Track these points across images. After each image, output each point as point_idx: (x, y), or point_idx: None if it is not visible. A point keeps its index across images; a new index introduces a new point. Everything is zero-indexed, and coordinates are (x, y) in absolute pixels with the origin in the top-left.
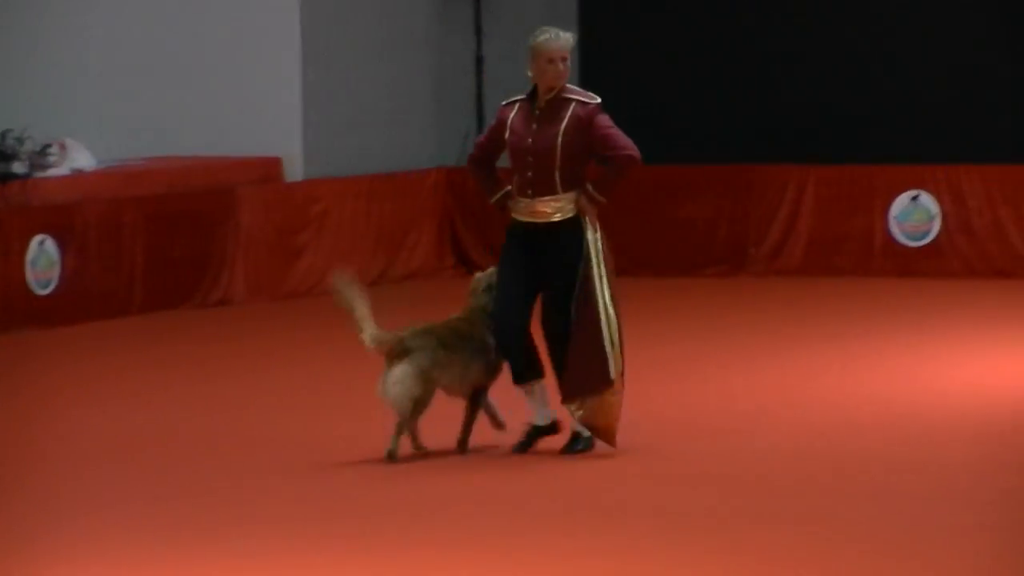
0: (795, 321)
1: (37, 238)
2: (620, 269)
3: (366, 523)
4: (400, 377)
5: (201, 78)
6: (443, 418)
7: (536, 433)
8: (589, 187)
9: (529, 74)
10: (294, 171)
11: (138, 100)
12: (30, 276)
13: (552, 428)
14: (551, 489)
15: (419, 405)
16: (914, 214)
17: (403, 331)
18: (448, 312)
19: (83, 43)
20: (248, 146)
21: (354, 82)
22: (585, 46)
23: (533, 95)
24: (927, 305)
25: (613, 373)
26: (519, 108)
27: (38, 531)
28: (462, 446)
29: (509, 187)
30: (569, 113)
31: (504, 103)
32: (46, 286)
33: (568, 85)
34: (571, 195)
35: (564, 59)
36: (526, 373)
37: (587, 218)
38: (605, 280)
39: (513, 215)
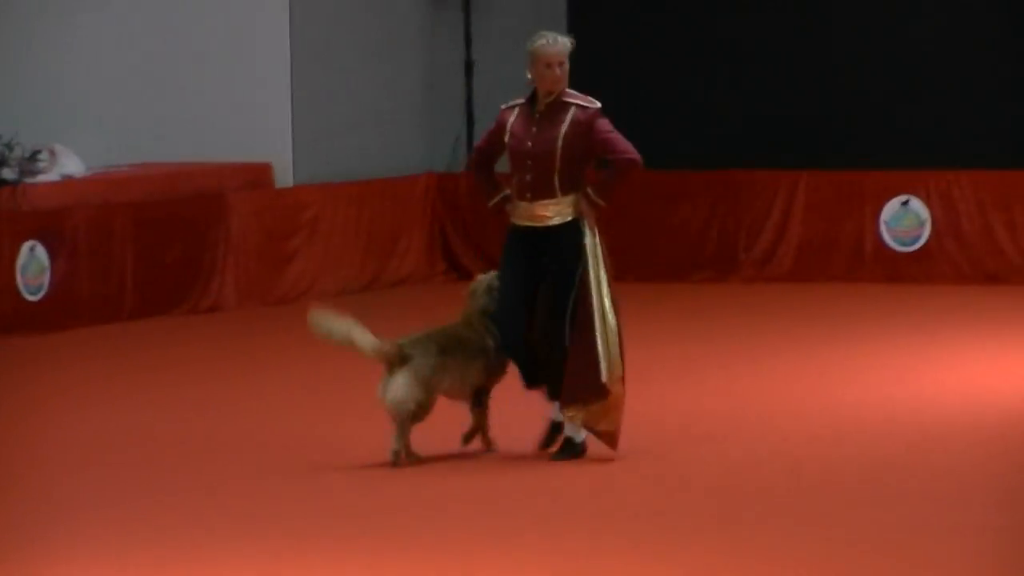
0: (785, 326)
1: (27, 244)
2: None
3: (364, 524)
4: (401, 385)
5: (191, 84)
6: (442, 422)
7: (556, 429)
8: (589, 191)
9: (529, 76)
10: (284, 177)
11: (127, 106)
12: (20, 282)
13: (583, 448)
14: (549, 491)
15: (420, 411)
16: (904, 219)
17: (402, 339)
18: (440, 316)
19: (72, 49)
20: (238, 152)
21: (344, 88)
22: (573, 51)
23: (533, 99)
24: (917, 310)
25: (605, 377)
26: (519, 111)
27: (31, 535)
28: (488, 445)
29: (507, 191)
30: (569, 117)
31: (504, 106)
32: (36, 292)
33: (568, 90)
34: (570, 199)
35: (561, 64)
36: (551, 393)
37: (586, 222)
38: (604, 285)
39: (512, 220)
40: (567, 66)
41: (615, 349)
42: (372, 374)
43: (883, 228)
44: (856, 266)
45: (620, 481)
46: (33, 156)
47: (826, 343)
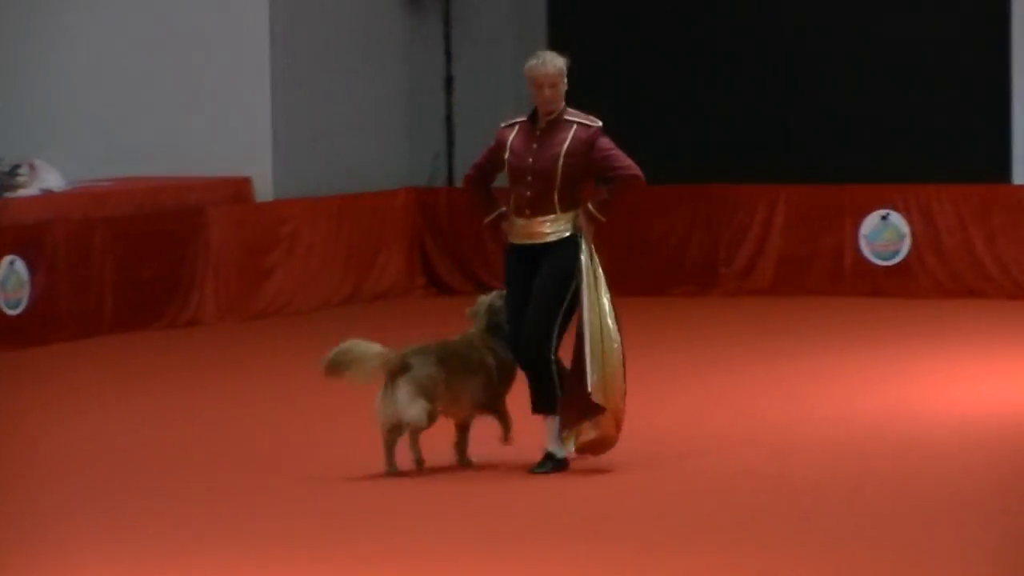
0: (766, 340)
1: (7, 258)
2: None
3: (351, 533)
4: (409, 402)
5: (171, 98)
6: (440, 429)
7: (550, 460)
8: (590, 206)
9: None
10: (264, 191)
11: (107, 120)
12: (0, 296)
13: (563, 463)
14: (536, 501)
15: (431, 419)
16: (884, 233)
17: (405, 349)
18: (420, 330)
19: (53, 65)
20: (218, 166)
21: (324, 102)
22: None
23: (534, 116)
24: (897, 324)
25: (591, 386)
26: (519, 129)
27: (16, 546)
28: (507, 440)
29: (503, 208)
30: (571, 135)
31: (503, 124)
32: (16, 306)
33: (569, 108)
34: (569, 215)
35: (553, 85)
36: (538, 404)
37: (584, 238)
38: (605, 304)
39: (509, 239)
40: (561, 87)
41: (616, 369)
42: (350, 388)
43: (863, 242)
44: (836, 280)
45: (603, 493)
46: (13, 171)
47: (806, 357)
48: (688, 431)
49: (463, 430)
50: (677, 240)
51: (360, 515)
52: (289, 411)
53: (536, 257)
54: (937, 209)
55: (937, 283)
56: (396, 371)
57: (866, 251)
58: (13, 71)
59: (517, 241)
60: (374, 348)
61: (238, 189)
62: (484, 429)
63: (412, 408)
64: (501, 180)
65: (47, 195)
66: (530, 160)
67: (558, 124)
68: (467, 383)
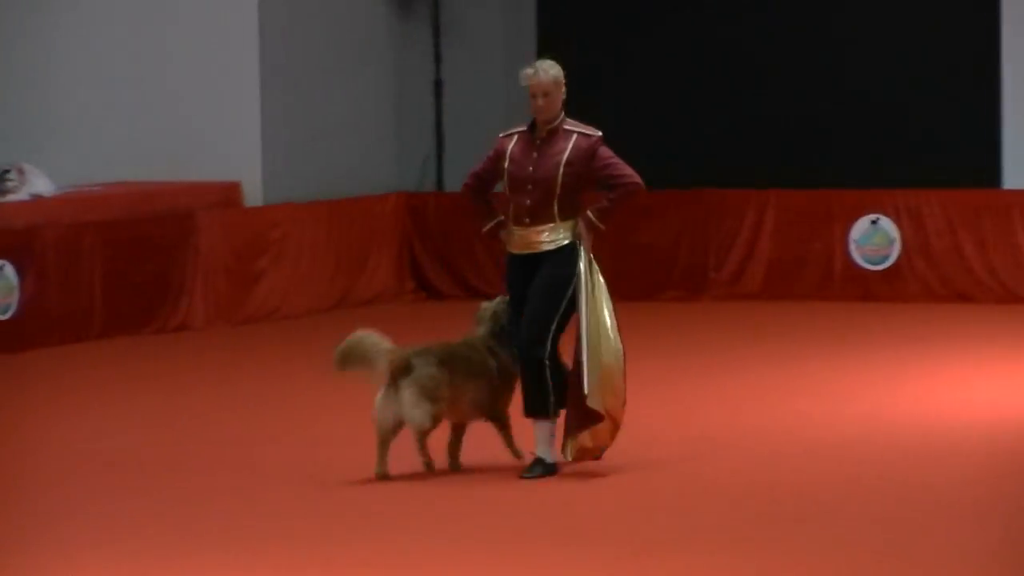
0: (755, 344)
1: None
2: None
3: (350, 535)
4: (412, 400)
5: (160, 103)
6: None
7: (539, 464)
8: (590, 213)
9: None
10: (253, 196)
11: (97, 125)
12: None
13: (553, 468)
14: (541, 503)
15: (436, 420)
16: (874, 238)
17: (407, 350)
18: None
19: (41, 70)
20: (207, 171)
21: (314, 107)
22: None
23: (533, 126)
24: (887, 328)
25: (587, 391)
26: (519, 138)
27: (7, 549)
28: (517, 455)
29: (502, 217)
30: (572, 144)
31: (502, 134)
32: (5, 311)
33: (568, 119)
34: (567, 224)
35: (547, 94)
36: (529, 407)
37: (582, 246)
38: (600, 309)
39: (508, 248)
40: (556, 96)
41: (615, 377)
42: (340, 392)
43: (853, 247)
44: (826, 285)
45: (598, 495)
46: (2, 176)
47: (796, 361)
48: (679, 435)
49: (458, 432)
50: (667, 245)
51: (357, 517)
52: (280, 415)
53: (535, 266)
54: (927, 214)
55: (927, 288)
56: (399, 372)
57: (856, 256)
58: (2, 77)
59: (515, 251)
60: (382, 346)
61: (227, 194)
62: (481, 433)
63: (416, 410)
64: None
65: (36, 200)
66: (530, 169)
67: (558, 133)
68: (468, 385)
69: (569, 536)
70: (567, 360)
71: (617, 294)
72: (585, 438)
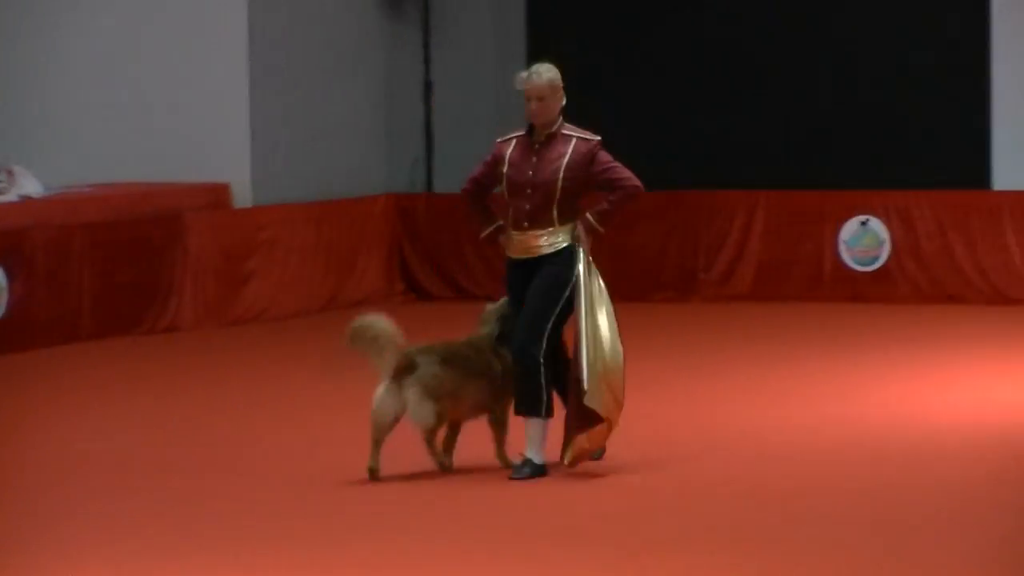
0: (745, 346)
1: None
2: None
3: (354, 537)
4: (416, 399)
5: (149, 105)
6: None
7: (528, 465)
8: (589, 216)
9: None
10: (242, 197)
11: (86, 127)
12: None
13: (542, 469)
14: (539, 503)
15: (440, 419)
16: (864, 239)
17: (409, 347)
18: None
19: (30, 72)
20: (196, 172)
21: (303, 108)
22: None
23: (531, 130)
24: (877, 329)
25: (587, 388)
26: (517, 143)
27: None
28: (503, 462)
29: (501, 221)
30: (571, 149)
31: (499, 139)
32: None
33: (566, 123)
34: (566, 228)
35: (540, 98)
36: (521, 405)
37: (581, 250)
38: (597, 311)
39: (507, 253)
40: (551, 101)
41: (614, 379)
42: (331, 392)
43: (842, 248)
44: (815, 286)
45: (589, 496)
46: None
47: (785, 362)
48: (670, 435)
49: (455, 430)
50: (657, 246)
51: (356, 517)
52: (272, 416)
53: (533, 270)
54: (916, 215)
55: (916, 289)
56: (402, 370)
57: (846, 257)
58: None
59: (514, 256)
60: (392, 338)
61: (216, 195)
62: (481, 433)
63: (420, 409)
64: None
65: (25, 202)
66: (530, 173)
67: (556, 138)
68: (470, 386)
69: (568, 536)
70: (568, 362)
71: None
72: (582, 440)
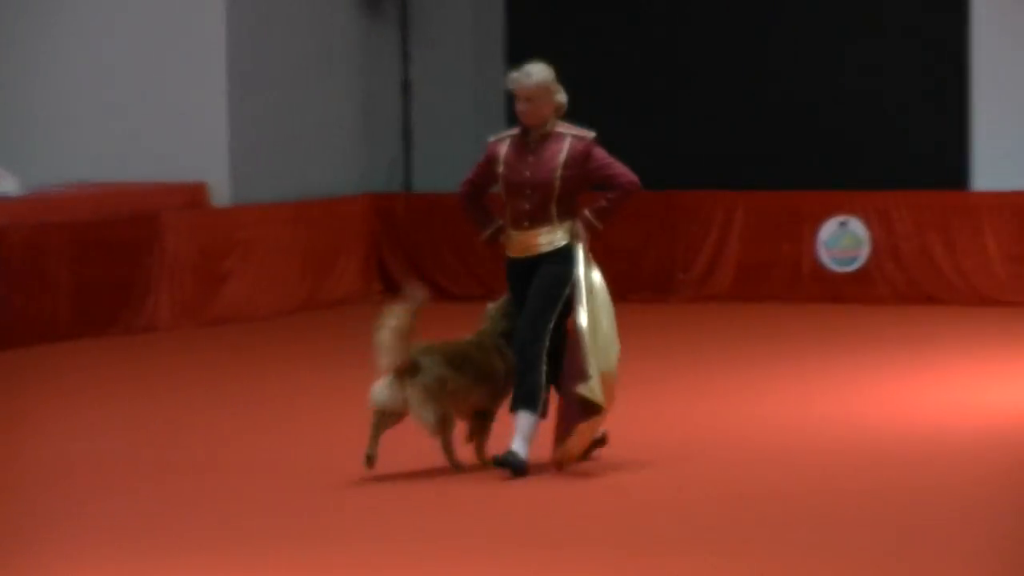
0: (723, 346)
1: None
2: None
3: (353, 537)
4: (418, 402)
5: (127, 103)
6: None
7: (512, 456)
8: (587, 214)
9: None
10: (220, 196)
11: (63, 126)
12: None
13: (523, 466)
14: (536, 504)
15: (447, 421)
16: (843, 240)
17: (415, 347)
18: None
19: (5, 71)
20: (173, 171)
21: (280, 107)
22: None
23: (526, 130)
24: (856, 330)
25: (591, 382)
26: (511, 142)
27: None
28: (482, 459)
29: (501, 222)
30: (567, 147)
31: (493, 139)
32: None
33: (561, 122)
34: (564, 225)
35: (529, 99)
36: (517, 401)
37: (580, 247)
38: (601, 308)
39: (507, 252)
40: (540, 101)
41: (610, 376)
42: (310, 392)
43: (821, 249)
44: (794, 287)
45: (590, 497)
46: None
47: (764, 363)
48: (651, 437)
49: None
50: (635, 246)
51: (355, 517)
52: (255, 415)
53: (533, 268)
54: (896, 216)
55: (895, 290)
56: (405, 371)
57: (825, 258)
58: None
59: (514, 254)
60: (392, 345)
61: (194, 195)
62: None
63: (423, 411)
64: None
65: (2, 201)
66: (527, 174)
67: (551, 137)
68: (473, 388)
69: (568, 536)
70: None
71: None
72: (573, 443)
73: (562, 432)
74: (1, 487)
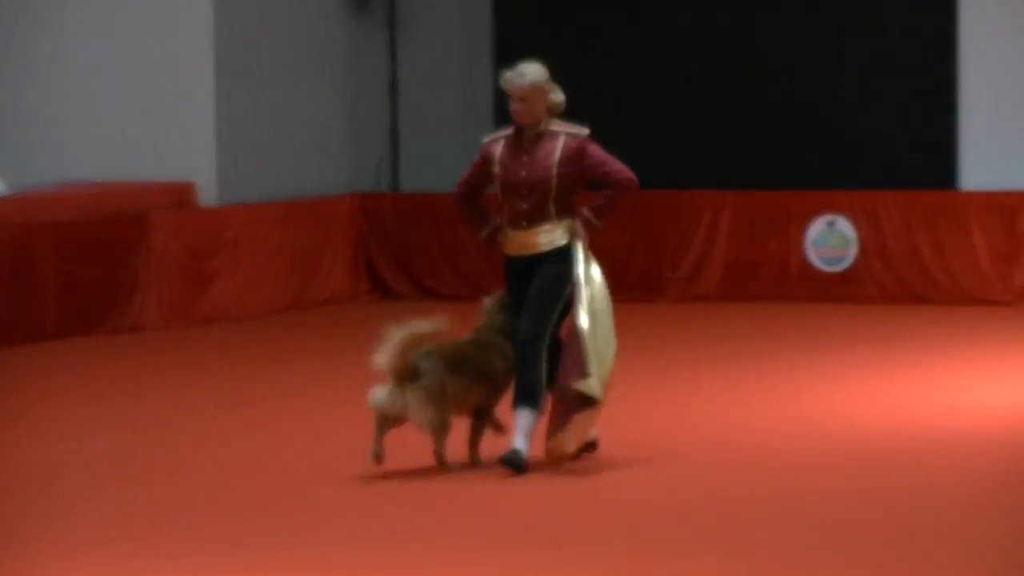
0: (711, 346)
1: None
2: None
3: (351, 536)
4: (417, 405)
5: (114, 103)
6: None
7: (515, 454)
8: (586, 212)
9: None
10: (207, 196)
11: (51, 125)
12: None
13: (525, 466)
14: (535, 503)
15: (445, 424)
16: (830, 239)
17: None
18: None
19: None
20: (161, 171)
21: (268, 107)
22: (499, 74)
23: (520, 129)
24: (844, 330)
25: (591, 377)
26: (505, 142)
27: None
28: (474, 458)
29: (498, 221)
30: (561, 145)
31: (486, 140)
32: None
33: (555, 120)
34: (563, 223)
35: (522, 99)
36: (518, 398)
37: (580, 246)
38: (601, 305)
39: (505, 251)
40: (534, 101)
41: (607, 373)
42: (298, 392)
43: (809, 248)
44: (782, 286)
45: (581, 497)
46: None
47: (752, 363)
48: (641, 437)
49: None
50: (623, 246)
51: (350, 517)
52: (245, 416)
53: (533, 266)
54: (884, 215)
55: (883, 289)
56: (404, 376)
57: (812, 257)
58: None
59: (513, 253)
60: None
61: (181, 194)
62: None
63: (423, 414)
64: (429, 184)
65: None
66: (523, 173)
67: (545, 135)
68: (474, 389)
69: (567, 536)
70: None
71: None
72: (568, 436)
73: (555, 424)
74: None
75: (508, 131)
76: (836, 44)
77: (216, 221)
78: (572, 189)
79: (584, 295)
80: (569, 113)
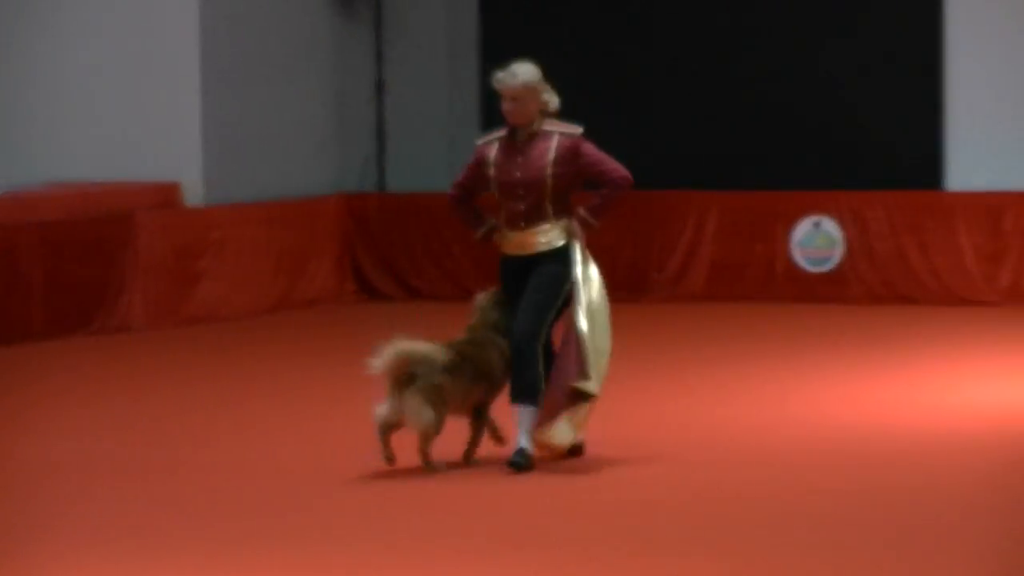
0: (697, 346)
1: None
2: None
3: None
4: (416, 408)
5: (100, 103)
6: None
7: (521, 454)
8: (582, 211)
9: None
10: (194, 196)
11: (36, 126)
12: None
13: (531, 463)
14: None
15: (437, 427)
16: (816, 240)
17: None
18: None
19: None
20: (147, 171)
21: (254, 107)
22: (486, 74)
23: (513, 130)
24: (830, 330)
25: (590, 373)
26: (499, 143)
27: None
28: (468, 458)
29: (493, 221)
30: (555, 144)
31: (480, 141)
32: None
33: (548, 119)
34: (560, 222)
35: (514, 99)
36: (515, 393)
37: (577, 246)
38: (599, 304)
39: (502, 251)
40: (526, 101)
41: (602, 367)
42: (286, 392)
43: (795, 249)
44: (768, 286)
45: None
46: None
47: (738, 363)
48: (627, 437)
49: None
50: (609, 246)
51: (349, 517)
52: (235, 415)
53: (530, 265)
54: (870, 216)
55: (869, 289)
56: (402, 380)
57: (798, 258)
58: None
59: (511, 252)
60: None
61: (167, 194)
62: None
63: (420, 418)
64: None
65: None
66: (518, 174)
67: (539, 135)
68: (472, 388)
69: (567, 536)
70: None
71: None
72: (563, 430)
73: (545, 416)
74: None
75: (501, 132)
76: (821, 45)
77: (202, 221)
78: (568, 188)
79: (583, 296)
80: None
